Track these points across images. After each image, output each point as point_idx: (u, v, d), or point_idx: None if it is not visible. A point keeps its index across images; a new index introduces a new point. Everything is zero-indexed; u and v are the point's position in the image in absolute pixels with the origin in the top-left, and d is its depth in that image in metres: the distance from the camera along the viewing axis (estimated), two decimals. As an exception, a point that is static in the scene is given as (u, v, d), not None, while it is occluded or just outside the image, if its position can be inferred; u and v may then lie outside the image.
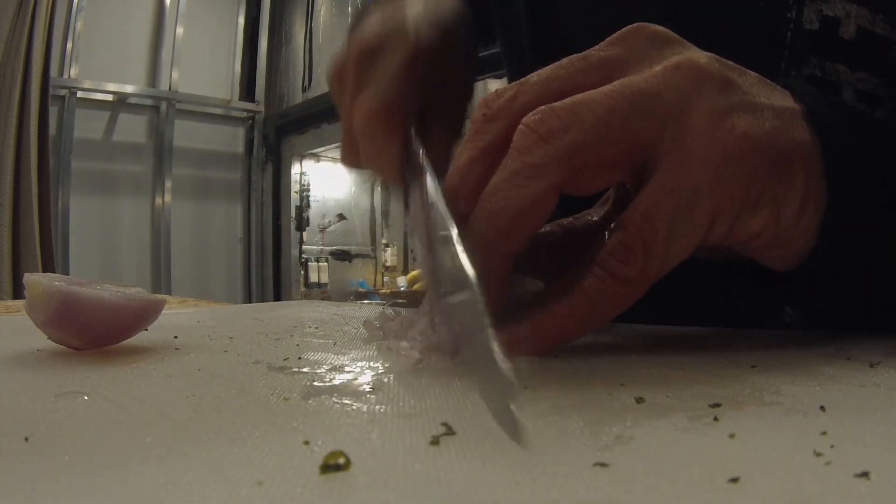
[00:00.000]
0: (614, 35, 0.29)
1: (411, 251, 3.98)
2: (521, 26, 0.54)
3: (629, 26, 0.29)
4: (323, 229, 3.79)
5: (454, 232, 0.26)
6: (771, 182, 0.27)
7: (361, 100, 0.36)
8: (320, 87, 3.44)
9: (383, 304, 0.37)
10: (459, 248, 0.25)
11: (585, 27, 0.48)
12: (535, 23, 0.52)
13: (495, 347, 0.20)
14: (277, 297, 3.63)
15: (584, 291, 0.27)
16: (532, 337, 0.27)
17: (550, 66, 0.29)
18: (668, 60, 0.27)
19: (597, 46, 0.29)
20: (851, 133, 0.29)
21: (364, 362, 0.29)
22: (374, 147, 0.37)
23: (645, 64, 0.28)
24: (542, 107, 0.27)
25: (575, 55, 0.29)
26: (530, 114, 0.27)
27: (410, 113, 0.36)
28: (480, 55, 0.60)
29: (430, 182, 0.31)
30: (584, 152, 0.26)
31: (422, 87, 0.37)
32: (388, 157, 0.36)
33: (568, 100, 0.26)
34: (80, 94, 3.21)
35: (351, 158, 0.40)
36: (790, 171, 0.27)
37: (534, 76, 0.29)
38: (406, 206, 0.35)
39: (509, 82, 0.31)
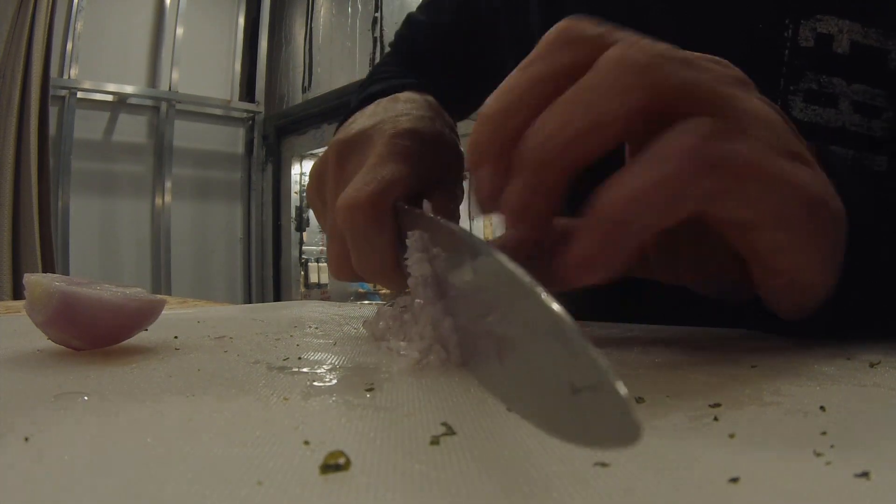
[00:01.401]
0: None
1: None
2: (530, 28, 0.54)
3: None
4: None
5: (499, 254, 0.20)
6: (815, 235, 0.27)
7: (344, 194, 0.34)
8: (320, 87, 3.44)
9: (383, 304, 0.36)
10: (504, 258, 0.20)
11: None
12: (547, 27, 0.52)
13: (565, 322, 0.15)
14: (277, 298, 3.63)
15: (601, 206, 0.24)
16: (558, 271, 0.24)
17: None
18: (750, 102, 0.27)
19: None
20: (875, 213, 0.30)
21: (364, 362, 0.29)
22: (364, 239, 0.34)
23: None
24: (639, 43, 0.25)
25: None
26: (622, 44, 0.25)
27: (399, 197, 0.34)
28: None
29: (456, 228, 0.27)
30: (670, 94, 0.24)
31: (408, 170, 0.35)
32: (380, 247, 0.34)
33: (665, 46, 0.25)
34: (80, 94, 3.20)
35: (341, 267, 0.37)
36: (825, 233, 0.27)
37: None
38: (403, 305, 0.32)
39: None
